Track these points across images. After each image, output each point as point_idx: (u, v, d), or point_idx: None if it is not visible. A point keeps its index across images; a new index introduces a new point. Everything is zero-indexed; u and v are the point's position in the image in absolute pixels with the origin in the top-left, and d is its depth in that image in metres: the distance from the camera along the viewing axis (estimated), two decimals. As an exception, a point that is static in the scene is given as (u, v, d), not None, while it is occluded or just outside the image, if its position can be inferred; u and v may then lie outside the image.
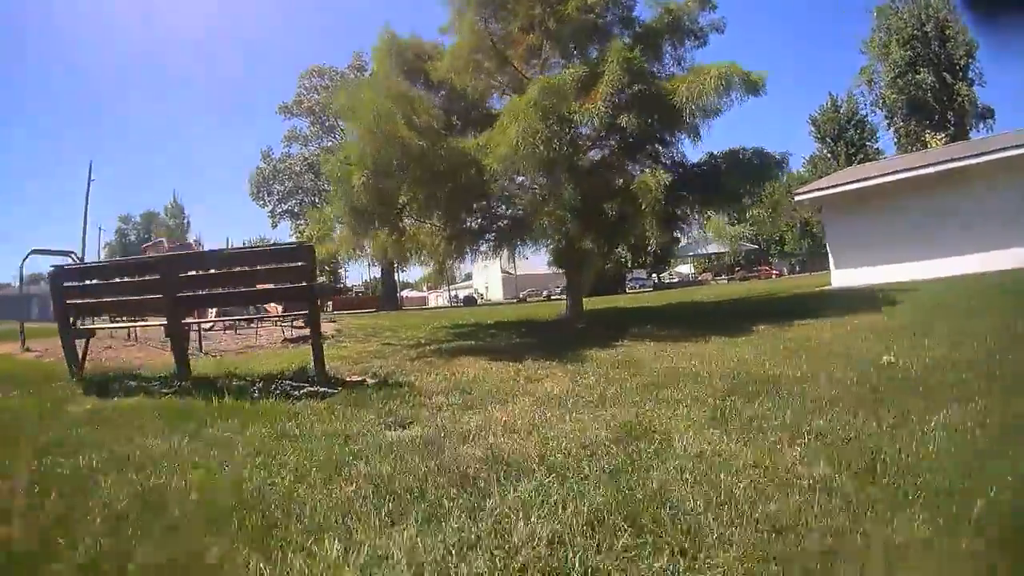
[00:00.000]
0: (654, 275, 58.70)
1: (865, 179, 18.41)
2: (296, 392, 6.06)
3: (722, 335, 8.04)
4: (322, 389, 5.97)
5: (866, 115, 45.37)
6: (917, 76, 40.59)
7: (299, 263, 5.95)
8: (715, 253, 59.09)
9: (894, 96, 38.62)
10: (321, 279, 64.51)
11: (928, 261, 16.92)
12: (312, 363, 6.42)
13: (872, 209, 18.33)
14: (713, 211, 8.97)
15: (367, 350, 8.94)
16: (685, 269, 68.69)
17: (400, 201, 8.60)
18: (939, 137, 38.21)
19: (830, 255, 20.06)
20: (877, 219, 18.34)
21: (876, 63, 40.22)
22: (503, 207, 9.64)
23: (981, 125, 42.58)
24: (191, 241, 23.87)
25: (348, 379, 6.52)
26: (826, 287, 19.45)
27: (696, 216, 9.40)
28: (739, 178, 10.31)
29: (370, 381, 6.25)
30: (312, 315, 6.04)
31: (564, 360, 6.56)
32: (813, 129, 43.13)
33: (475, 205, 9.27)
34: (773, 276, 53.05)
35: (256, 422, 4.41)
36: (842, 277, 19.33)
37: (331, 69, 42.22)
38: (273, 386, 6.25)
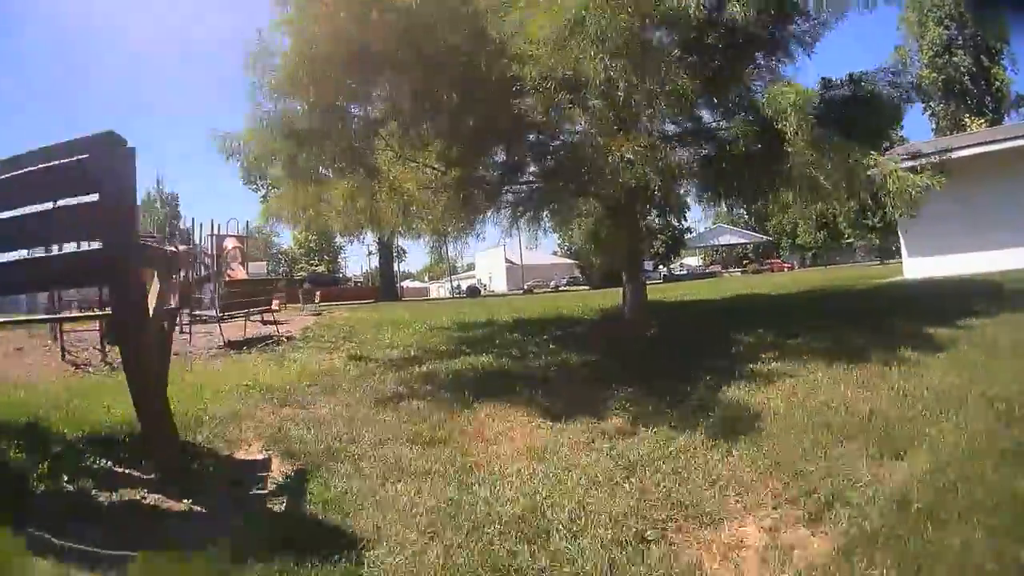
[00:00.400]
0: (661, 267, 54.70)
1: (985, 143, 14.66)
2: (95, 499, 2.47)
3: (911, 349, 4.43)
4: (149, 498, 2.38)
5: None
6: (954, 58, 36.88)
7: (91, 194, 2.31)
8: (725, 245, 55.40)
9: (933, 76, 34.68)
10: (319, 269, 60.77)
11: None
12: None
13: (958, 187, 14.71)
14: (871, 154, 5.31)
15: (320, 370, 5.30)
16: (691, 261, 65.02)
17: (372, 114, 4.91)
18: (979, 121, 34.63)
19: (903, 241, 16.42)
20: (962, 199, 14.74)
21: (913, 41, 36.24)
22: (540, 142, 5.85)
23: (1014, 112, 39.06)
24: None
25: (234, 455, 2.92)
26: (895, 278, 15.85)
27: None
28: (873, 113, 6.75)
29: (275, 472, 2.63)
30: (125, 309, 2.38)
31: (713, 418, 2.92)
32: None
33: (497, 136, 5.52)
34: (785, 269, 49.23)
35: None
36: (917, 267, 15.70)
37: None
38: (70, 475, 2.66)
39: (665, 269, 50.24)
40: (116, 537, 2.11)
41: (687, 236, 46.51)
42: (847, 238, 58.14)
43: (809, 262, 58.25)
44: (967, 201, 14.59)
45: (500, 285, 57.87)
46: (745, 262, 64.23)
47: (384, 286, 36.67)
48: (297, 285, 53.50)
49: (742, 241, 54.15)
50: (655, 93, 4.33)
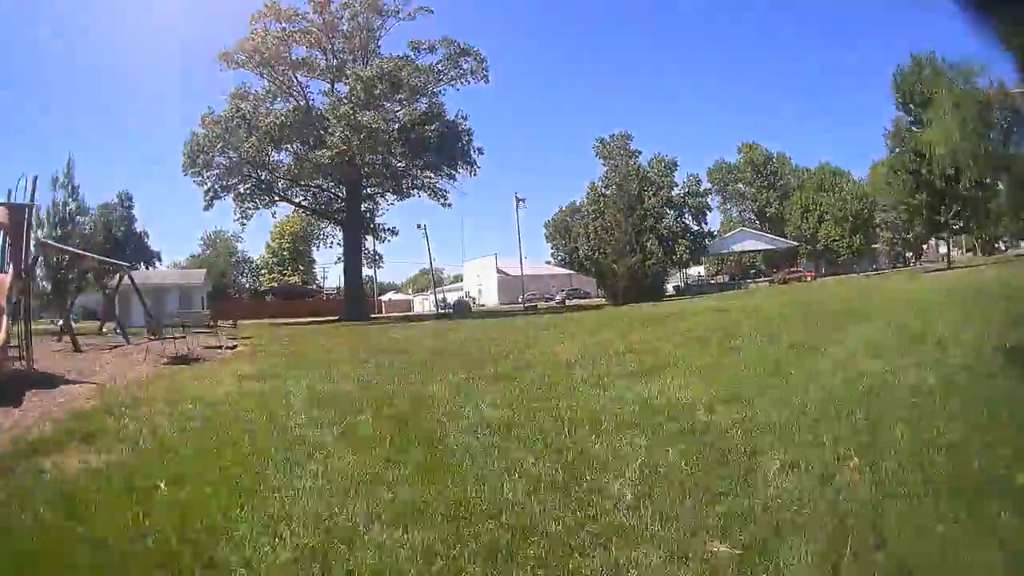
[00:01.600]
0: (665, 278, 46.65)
1: None
2: None
3: None
4: None
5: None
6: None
7: None
8: (742, 252, 47.78)
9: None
10: (293, 279, 51.91)
11: None
12: None
13: None
14: None
15: None
16: (697, 272, 57.40)
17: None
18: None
19: None
20: None
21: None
22: None
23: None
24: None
25: None
26: None
27: None
28: None
29: None
30: None
31: None
32: (897, 96, 31.97)
33: None
34: (808, 279, 41.87)
35: None
36: None
37: (292, 10, 30.20)
38: None
39: (683, 281, 42.54)
40: None
41: (708, 242, 38.74)
42: (873, 243, 51.15)
43: (825, 270, 51.11)
44: None
45: (491, 299, 49.69)
46: (752, 272, 56.70)
47: (350, 301, 27.99)
48: (262, 298, 44.32)
49: (766, 247, 46.25)
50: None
